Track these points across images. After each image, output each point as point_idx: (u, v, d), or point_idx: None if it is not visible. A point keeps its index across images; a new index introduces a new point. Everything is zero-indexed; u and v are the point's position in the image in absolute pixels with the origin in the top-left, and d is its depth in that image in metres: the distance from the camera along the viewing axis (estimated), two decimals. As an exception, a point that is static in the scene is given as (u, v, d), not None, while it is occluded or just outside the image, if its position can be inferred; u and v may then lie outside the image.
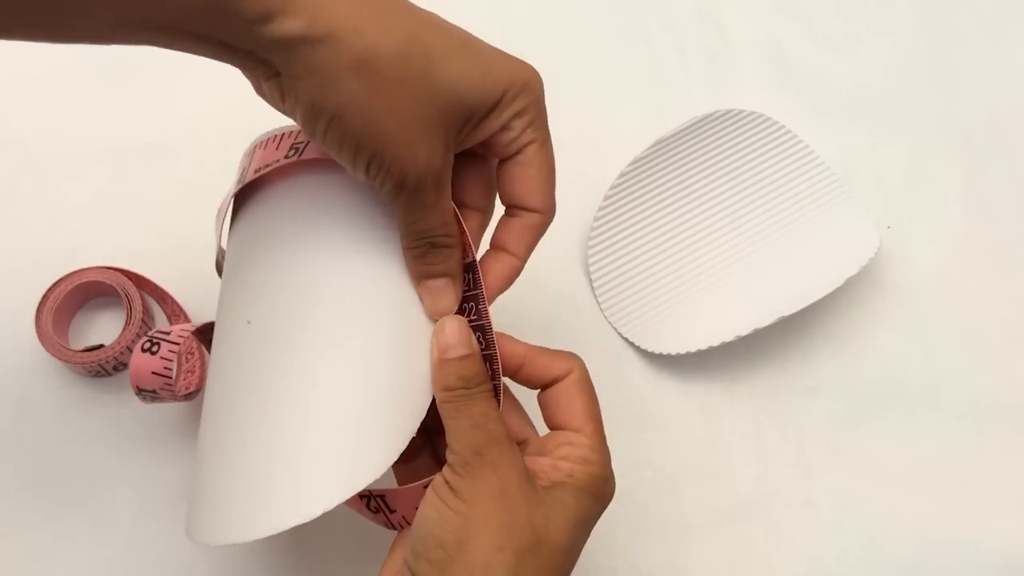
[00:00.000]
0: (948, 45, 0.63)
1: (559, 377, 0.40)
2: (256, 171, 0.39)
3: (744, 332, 0.52)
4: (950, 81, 0.62)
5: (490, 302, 0.39)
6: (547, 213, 0.39)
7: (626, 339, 0.55)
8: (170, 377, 0.45)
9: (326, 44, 0.32)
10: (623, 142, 0.57)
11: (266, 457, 0.36)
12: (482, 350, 0.38)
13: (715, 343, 0.53)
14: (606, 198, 0.56)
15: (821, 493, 0.54)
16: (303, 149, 0.38)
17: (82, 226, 0.54)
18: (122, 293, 0.51)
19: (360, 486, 0.35)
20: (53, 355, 0.50)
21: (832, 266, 0.54)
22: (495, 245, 0.40)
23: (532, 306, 0.48)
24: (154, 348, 0.45)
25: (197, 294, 0.53)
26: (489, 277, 0.39)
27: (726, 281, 0.56)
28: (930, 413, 0.55)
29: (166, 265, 0.53)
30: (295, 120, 0.35)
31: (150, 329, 0.52)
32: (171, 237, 0.54)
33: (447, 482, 0.36)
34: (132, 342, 0.50)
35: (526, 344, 0.40)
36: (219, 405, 0.38)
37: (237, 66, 0.34)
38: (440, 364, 0.37)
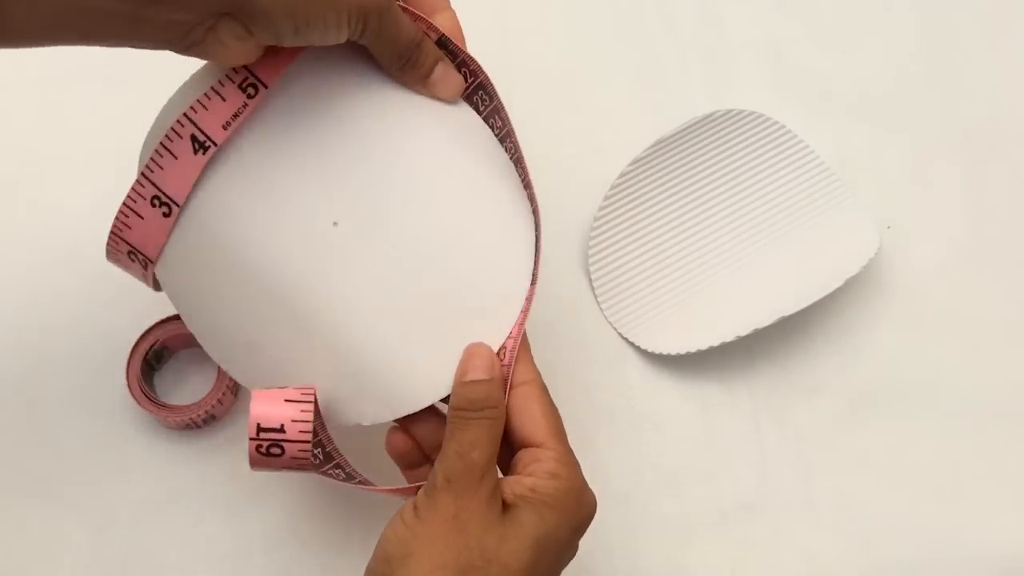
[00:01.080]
0: (948, 45, 0.63)
1: (516, 381, 0.41)
2: (226, 126, 0.39)
3: (744, 332, 0.52)
4: (950, 81, 0.62)
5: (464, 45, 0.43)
6: None
7: (626, 339, 0.55)
8: (310, 403, 0.40)
9: None
10: (623, 142, 0.57)
11: (463, 304, 0.41)
12: (487, 108, 0.43)
13: (715, 343, 0.53)
14: (606, 198, 0.56)
15: (821, 493, 0.54)
16: (258, 81, 0.39)
17: (82, 227, 0.54)
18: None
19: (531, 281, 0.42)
20: (145, 409, 0.50)
21: (832, 266, 0.54)
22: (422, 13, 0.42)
23: (532, 306, 0.48)
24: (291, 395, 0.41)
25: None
26: (451, 33, 0.42)
27: (726, 281, 0.56)
28: (930, 413, 0.55)
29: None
30: (271, 41, 0.36)
31: (237, 390, 0.51)
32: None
33: (414, 503, 0.38)
34: (216, 403, 0.50)
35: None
36: (372, 292, 0.41)
37: (178, 37, 0.35)
38: (457, 386, 0.39)
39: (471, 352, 0.40)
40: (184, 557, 0.50)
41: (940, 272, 0.58)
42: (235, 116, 0.39)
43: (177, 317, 0.50)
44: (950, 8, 0.64)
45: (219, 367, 0.49)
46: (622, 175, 0.56)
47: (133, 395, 0.50)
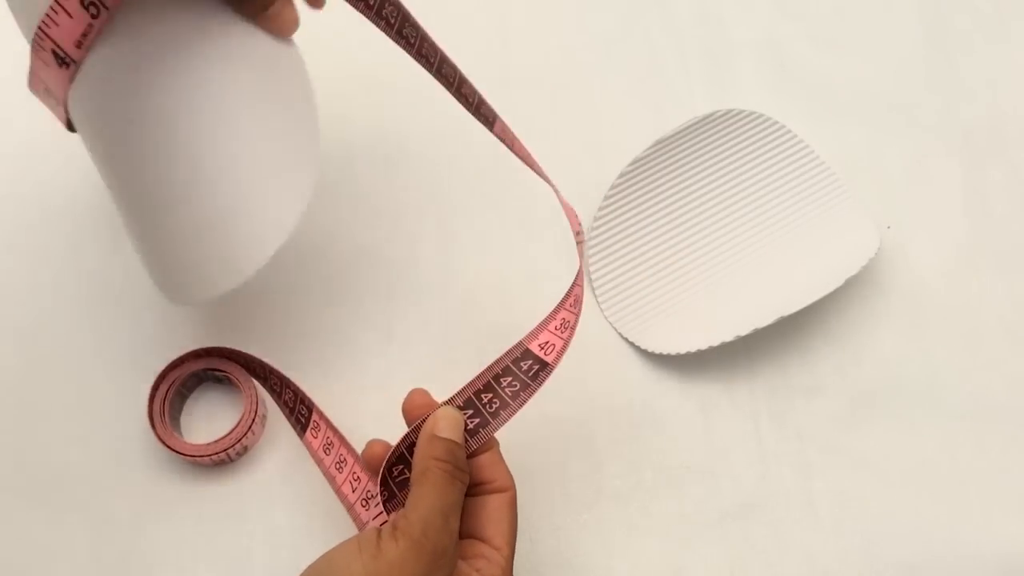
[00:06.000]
0: (948, 45, 0.63)
1: (492, 486, 0.43)
2: (79, 44, 0.39)
3: (744, 332, 0.52)
4: (950, 81, 0.62)
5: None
6: None
7: (626, 339, 0.55)
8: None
9: None
10: (623, 142, 0.57)
11: (232, 203, 0.40)
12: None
13: (715, 343, 0.53)
14: (606, 198, 0.56)
15: (821, 493, 0.54)
16: (100, 2, 0.38)
17: (83, 223, 0.54)
18: (243, 390, 0.50)
19: (310, 192, 0.41)
20: (169, 447, 0.49)
21: (832, 266, 0.54)
22: None
23: (532, 306, 0.48)
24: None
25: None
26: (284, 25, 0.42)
27: (726, 281, 0.56)
28: (930, 413, 0.55)
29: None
30: None
31: (258, 434, 0.51)
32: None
33: (379, 539, 0.37)
34: (244, 435, 0.49)
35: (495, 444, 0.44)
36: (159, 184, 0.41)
37: None
38: (434, 438, 0.41)
39: (439, 415, 0.42)
40: (184, 557, 0.50)
41: (940, 272, 0.58)
42: (84, 35, 0.39)
43: (195, 356, 0.50)
44: (950, 8, 0.64)
45: (245, 402, 0.50)
46: (622, 175, 0.56)
47: (157, 433, 0.49)
